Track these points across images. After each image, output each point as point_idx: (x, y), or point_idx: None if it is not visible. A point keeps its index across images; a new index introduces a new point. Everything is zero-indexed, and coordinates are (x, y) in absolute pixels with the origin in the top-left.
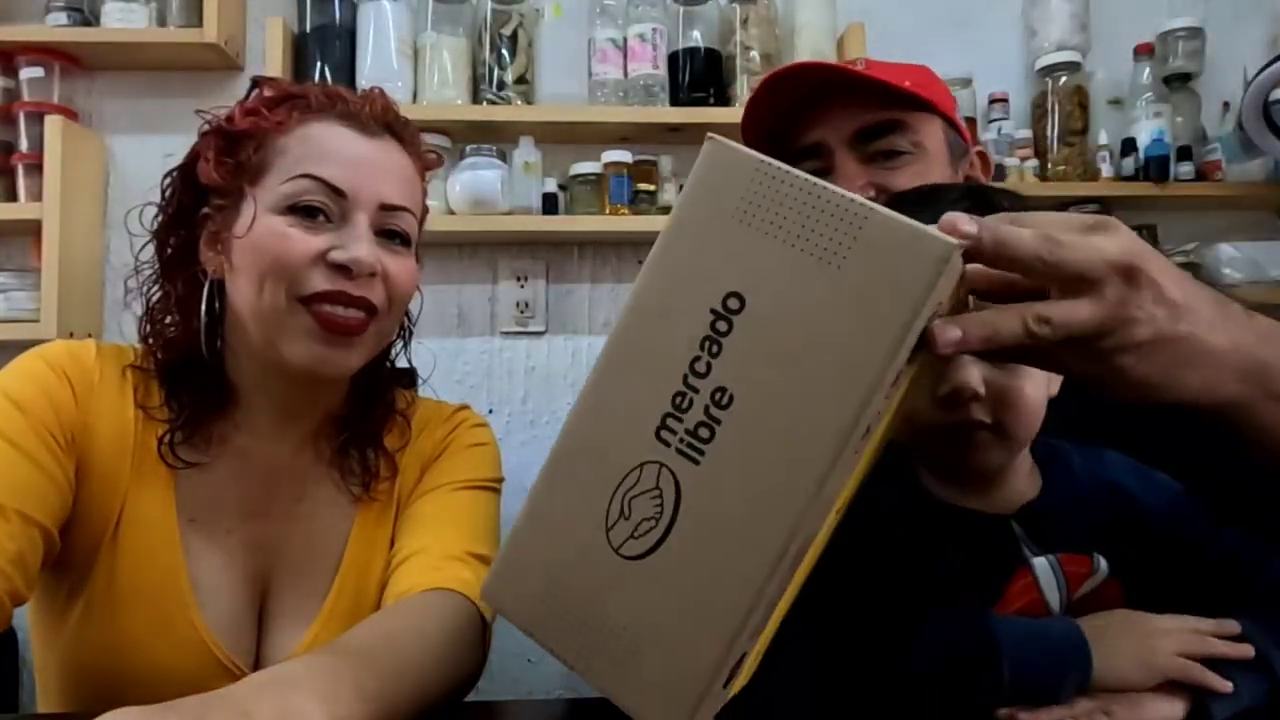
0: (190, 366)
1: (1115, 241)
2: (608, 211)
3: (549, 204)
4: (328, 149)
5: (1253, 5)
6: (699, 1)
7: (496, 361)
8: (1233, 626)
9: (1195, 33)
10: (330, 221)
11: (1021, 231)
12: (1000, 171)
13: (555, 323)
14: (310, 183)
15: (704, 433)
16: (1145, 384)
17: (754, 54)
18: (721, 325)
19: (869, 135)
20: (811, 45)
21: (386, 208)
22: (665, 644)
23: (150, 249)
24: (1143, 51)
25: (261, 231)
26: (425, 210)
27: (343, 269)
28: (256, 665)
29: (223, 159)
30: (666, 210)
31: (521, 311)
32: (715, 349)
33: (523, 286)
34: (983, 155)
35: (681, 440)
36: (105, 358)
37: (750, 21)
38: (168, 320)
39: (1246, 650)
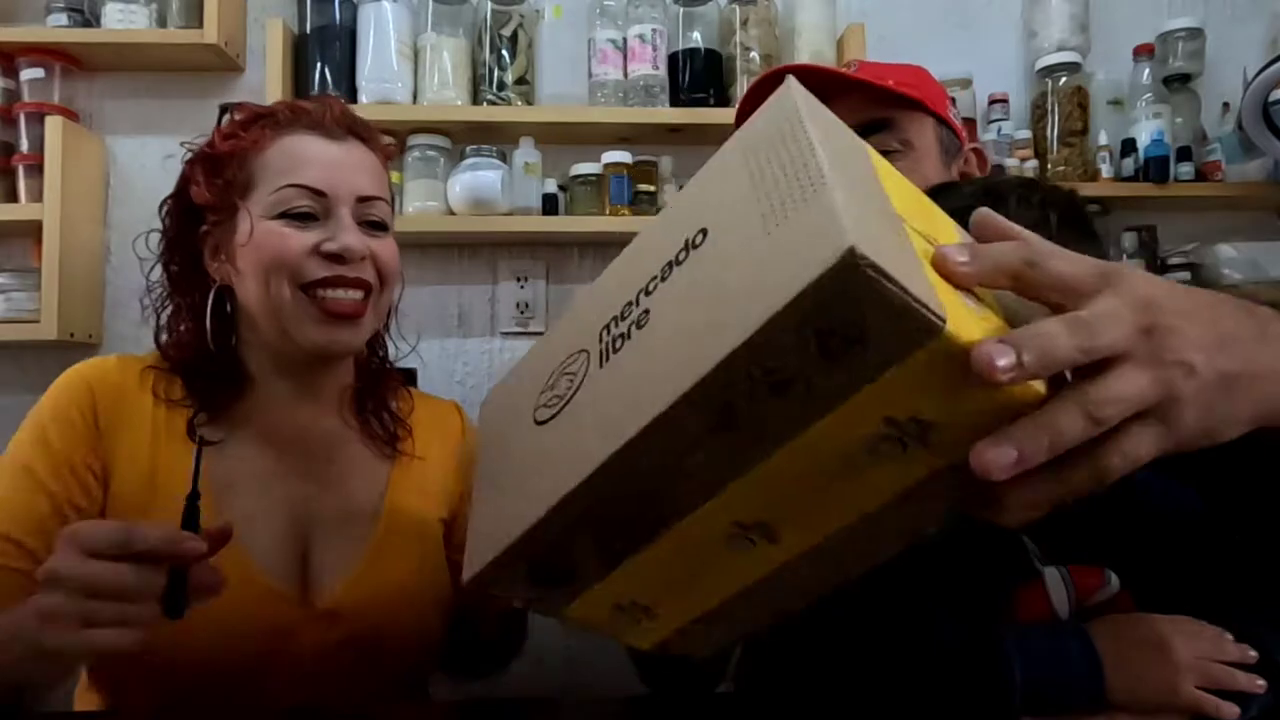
0: (206, 361)
1: (1124, 301)
2: (608, 212)
3: (549, 204)
4: (304, 157)
5: (1253, 5)
6: (699, 2)
7: (497, 362)
8: (1251, 654)
9: (1195, 33)
10: (318, 220)
11: (1051, 328)
12: (1000, 172)
13: (555, 323)
14: (294, 190)
15: (618, 344)
16: (1210, 432)
17: (754, 55)
18: (682, 255)
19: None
20: (811, 46)
21: (363, 199)
22: (502, 505)
23: (158, 270)
24: (1142, 52)
25: (260, 235)
26: (392, 195)
27: (336, 257)
28: (304, 601)
29: (212, 180)
30: None
31: (522, 312)
32: (666, 274)
33: (523, 287)
34: (979, 153)
35: (604, 343)
36: (123, 367)
37: (750, 22)
38: (182, 328)
39: (1261, 684)
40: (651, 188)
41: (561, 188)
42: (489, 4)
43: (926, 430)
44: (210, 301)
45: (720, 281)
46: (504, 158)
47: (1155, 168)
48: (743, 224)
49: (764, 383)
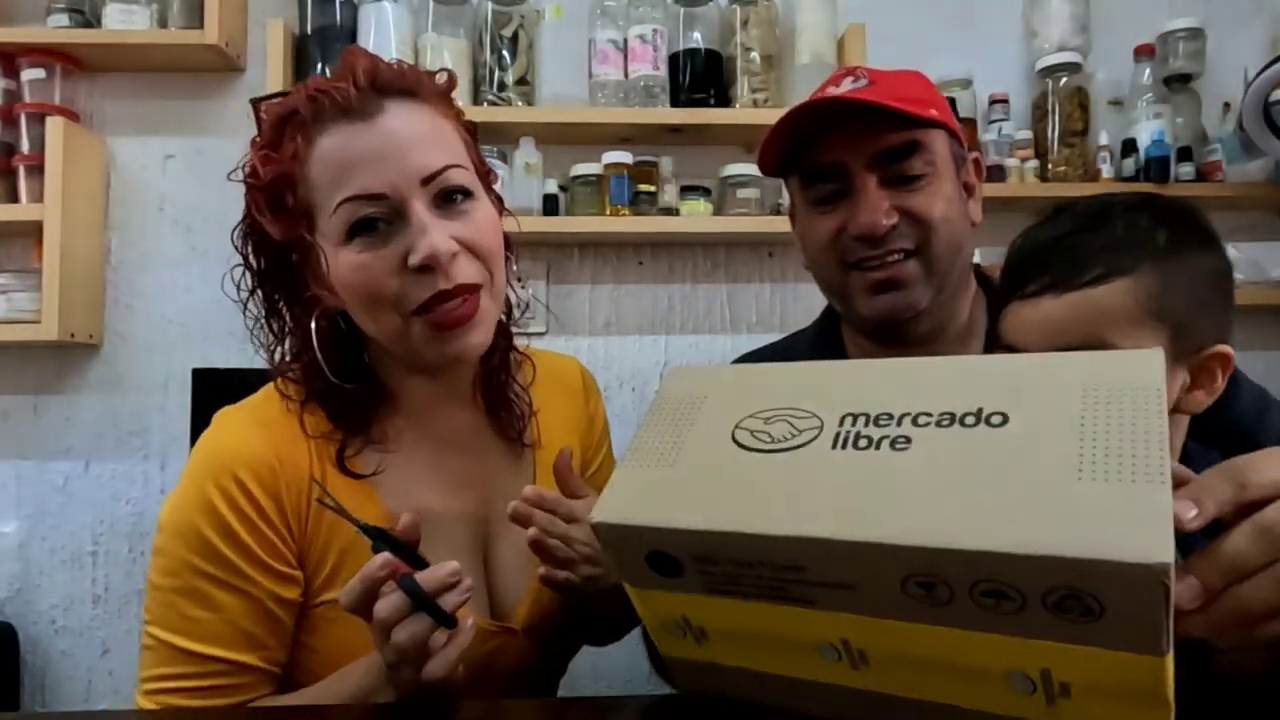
0: (340, 384)
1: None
2: (608, 212)
3: (550, 205)
4: (345, 162)
5: (1253, 6)
6: (699, 2)
7: None
8: None
9: (1196, 33)
10: (391, 224)
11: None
12: (1000, 172)
13: (556, 324)
14: (349, 205)
15: (861, 443)
16: None
17: (754, 55)
18: (970, 419)
19: (889, 158)
20: (811, 46)
21: (429, 179)
22: (674, 489)
23: (254, 300)
24: (1143, 52)
25: (342, 271)
26: (472, 131)
27: (425, 267)
28: (492, 614)
29: (276, 215)
30: (667, 211)
31: (522, 312)
32: (944, 423)
33: (523, 287)
34: (977, 162)
35: (845, 429)
36: (271, 426)
37: (751, 23)
38: (303, 356)
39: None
40: (652, 188)
41: (562, 188)
42: (489, 4)
43: (1063, 690)
44: (315, 331)
45: (1005, 475)
46: (505, 158)
47: (1156, 168)
48: (1053, 445)
49: (983, 585)
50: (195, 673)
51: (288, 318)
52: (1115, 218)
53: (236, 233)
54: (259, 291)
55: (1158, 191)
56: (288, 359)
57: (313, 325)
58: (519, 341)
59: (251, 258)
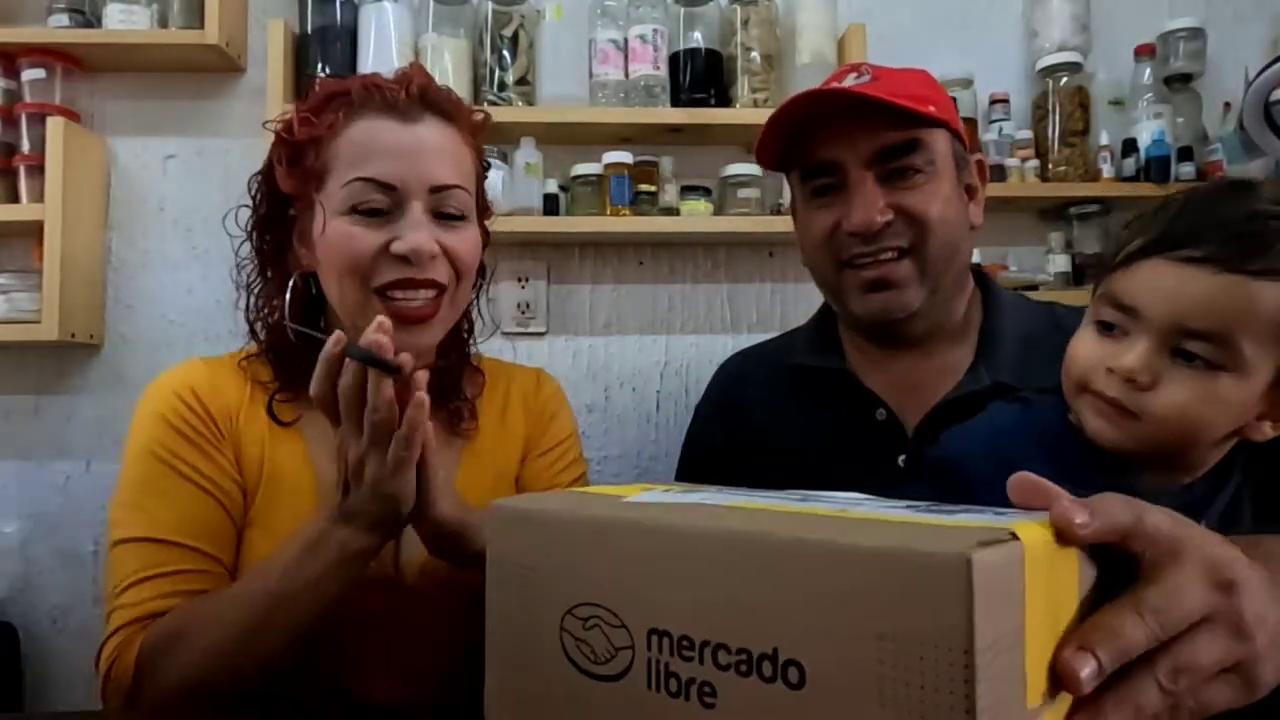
0: (292, 344)
1: (1196, 570)
2: (609, 212)
3: (550, 205)
4: (372, 147)
5: (1253, 5)
6: (700, 2)
7: None
8: None
9: (1196, 33)
10: (388, 215)
11: (1123, 623)
12: (1001, 172)
13: (556, 324)
14: (363, 184)
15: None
16: None
17: (755, 55)
18: (769, 670)
19: (887, 155)
20: (812, 46)
21: (437, 190)
22: None
23: (247, 246)
24: (1143, 52)
25: (331, 234)
26: (485, 167)
27: (405, 258)
28: (396, 573)
29: (291, 168)
30: (668, 211)
31: (522, 312)
32: (743, 670)
33: (524, 287)
34: (981, 164)
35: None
36: (214, 364)
37: (751, 22)
38: (269, 308)
39: None
40: (652, 188)
41: (562, 188)
42: (490, 4)
43: None
44: (290, 286)
45: None
46: (505, 158)
47: (1156, 168)
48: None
49: None
50: (162, 560)
51: (269, 270)
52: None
53: (252, 183)
54: (254, 234)
55: (1159, 192)
56: (257, 310)
57: (291, 281)
58: (512, 346)
59: (259, 204)
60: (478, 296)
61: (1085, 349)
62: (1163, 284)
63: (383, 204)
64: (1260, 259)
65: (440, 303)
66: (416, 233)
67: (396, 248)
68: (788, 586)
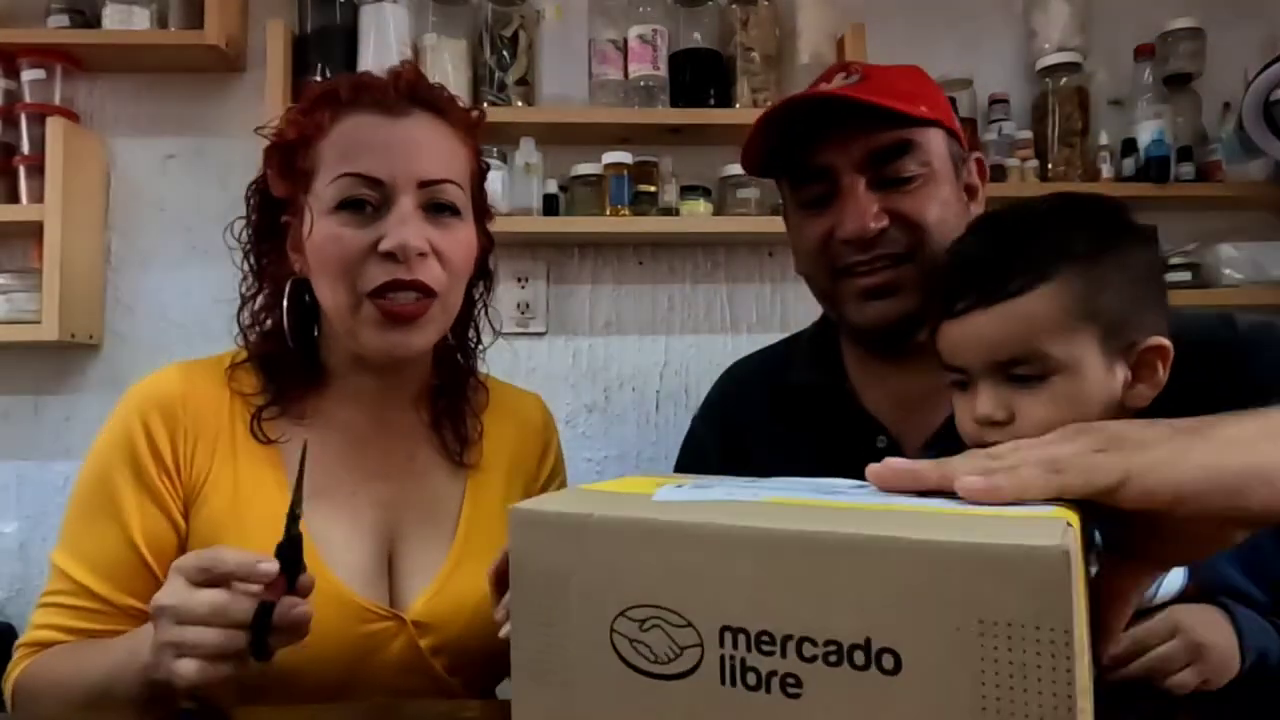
0: (284, 354)
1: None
2: (608, 212)
3: (549, 205)
4: (359, 142)
5: (1253, 5)
6: (700, 2)
7: (496, 363)
8: None
9: (1195, 33)
10: (377, 210)
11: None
12: (1000, 172)
13: (556, 324)
14: (349, 180)
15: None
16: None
17: (754, 55)
18: (860, 658)
19: (880, 159)
20: (812, 46)
21: (426, 184)
22: None
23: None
24: (1143, 52)
25: (319, 237)
26: (484, 169)
27: (392, 256)
28: (391, 614)
29: (284, 171)
30: (667, 211)
31: (522, 313)
32: (832, 660)
33: (523, 287)
34: (980, 162)
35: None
36: (187, 375)
37: (751, 23)
38: (264, 317)
39: None
40: (652, 188)
41: (562, 188)
42: (489, 5)
43: None
44: (287, 293)
45: None
46: (505, 158)
47: (1156, 168)
48: (951, 701)
49: None
50: (72, 589)
51: (265, 279)
52: (1033, 223)
53: (248, 193)
54: (249, 244)
55: (1158, 192)
56: (259, 315)
57: (287, 287)
58: (510, 360)
59: (252, 213)
60: (484, 306)
61: (958, 410)
62: (960, 339)
63: (370, 199)
64: (1007, 283)
65: (429, 304)
66: (404, 228)
67: (384, 245)
68: (878, 581)
